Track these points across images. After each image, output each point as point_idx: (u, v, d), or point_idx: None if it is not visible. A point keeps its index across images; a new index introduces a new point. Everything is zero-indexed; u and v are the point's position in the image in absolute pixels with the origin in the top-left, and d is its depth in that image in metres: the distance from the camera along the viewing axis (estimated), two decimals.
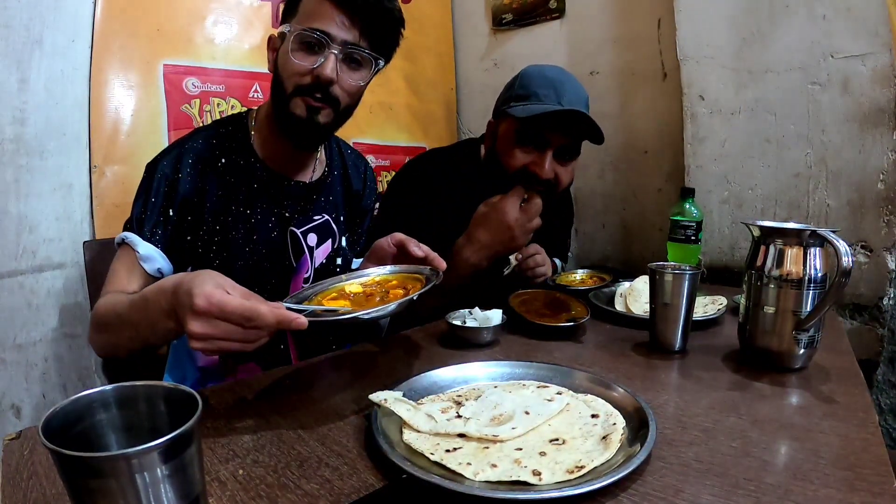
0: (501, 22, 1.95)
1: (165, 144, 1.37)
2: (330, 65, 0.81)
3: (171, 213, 0.86)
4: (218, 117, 1.45)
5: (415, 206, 1.18)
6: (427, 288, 0.69)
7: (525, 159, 1.09)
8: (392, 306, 0.63)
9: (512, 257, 1.13)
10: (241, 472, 0.51)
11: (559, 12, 1.79)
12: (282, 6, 0.89)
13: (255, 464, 0.53)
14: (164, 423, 0.39)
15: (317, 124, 0.86)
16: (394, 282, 0.79)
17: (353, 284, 0.79)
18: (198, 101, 1.44)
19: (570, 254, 1.86)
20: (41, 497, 0.48)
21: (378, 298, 0.72)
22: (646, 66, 1.62)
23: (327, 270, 1.02)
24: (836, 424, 0.59)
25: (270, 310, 0.56)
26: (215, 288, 0.57)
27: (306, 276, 0.99)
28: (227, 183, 0.89)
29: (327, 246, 1.03)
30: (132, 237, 0.83)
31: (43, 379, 1.27)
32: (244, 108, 1.51)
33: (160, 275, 0.85)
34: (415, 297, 0.65)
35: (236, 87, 1.51)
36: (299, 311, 0.65)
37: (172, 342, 0.96)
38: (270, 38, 0.90)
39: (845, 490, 0.47)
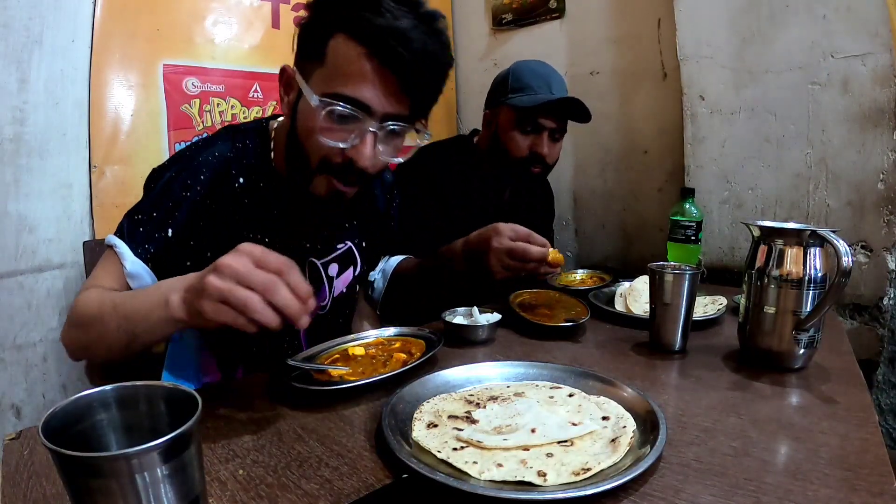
0: (501, 22, 1.95)
1: (165, 144, 1.38)
2: (367, 151, 0.69)
3: (169, 234, 0.75)
4: (218, 117, 1.46)
5: (417, 198, 1.23)
6: (425, 358, 0.74)
7: (527, 143, 1.23)
8: (383, 377, 0.68)
9: None
10: (241, 472, 0.51)
11: (559, 12, 1.79)
12: (297, 35, 0.73)
13: (255, 464, 0.53)
14: (164, 423, 0.39)
15: (340, 203, 0.77)
16: (397, 344, 0.83)
17: (356, 347, 0.82)
18: (198, 101, 1.44)
19: (569, 254, 1.86)
20: (41, 497, 0.48)
21: (383, 363, 0.76)
22: (646, 66, 1.62)
23: (346, 297, 0.98)
24: (836, 424, 0.59)
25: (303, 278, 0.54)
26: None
27: (323, 304, 0.93)
28: (242, 206, 0.79)
29: (348, 274, 0.96)
30: (122, 248, 0.73)
31: (43, 379, 1.27)
32: (244, 109, 1.53)
33: None
34: (411, 365, 0.71)
35: (236, 87, 1.51)
36: (298, 369, 0.69)
37: (170, 341, 0.95)
38: (284, 72, 0.75)
39: (845, 490, 0.47)
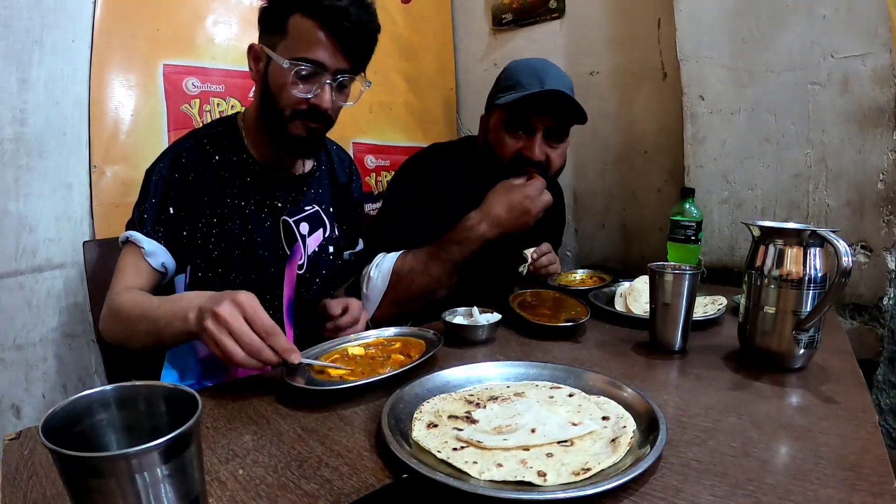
0: (501, 22, 1.95)
1: (165, 144, 1.38)
2: (327, 96, 0.89)
3: (170, 211, 0.91)
4: (218, 117, 1.46)
5: (418, 198, 1.20)
6: (425, 358, 0.75)
7: (516, 145, 1.13)
8: (383, 377, 0.69)
9: (528, 253, 1.15)
10: (241, 472, 0.51)
11: (559, 12, 1.79)
12: (258, 14, 0.92)
13: (255, 464, 0.53)
14: (164, 423, 0.39)
15: (316, 140, 0.96)
16: (397, 344, 0.84)
17: (355, 347, 0.83)
18: (198, 101, 1.43)
19: (569, 253, 1.86)
20: (41, 497, 0.48)
21: (382, 363, 0.78)
22: (646, 66, 1.62)
23: (320, 258, 1.08)
24: (836, 424, 0.59)
25: (287, 340, 0.67)
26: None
27: (300, 262, 1.04)
28: (221, 178, 0.95)
29: (318, 235, 1.08)
30: (136, 235, 0.88)
31: (43, 379, 1.27)
32: (243, 109, 1.52)
33: (164, 269, 0.90)
34: (407, 368, 0.72)
35: (236, 87, 1.50)
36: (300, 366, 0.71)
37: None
38: (252, 48, 0.94)
39: (845, 490, 0.47)
